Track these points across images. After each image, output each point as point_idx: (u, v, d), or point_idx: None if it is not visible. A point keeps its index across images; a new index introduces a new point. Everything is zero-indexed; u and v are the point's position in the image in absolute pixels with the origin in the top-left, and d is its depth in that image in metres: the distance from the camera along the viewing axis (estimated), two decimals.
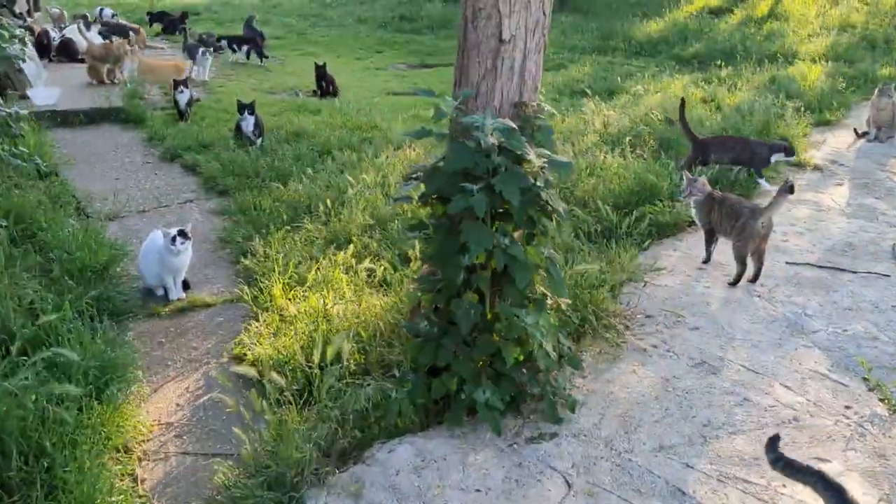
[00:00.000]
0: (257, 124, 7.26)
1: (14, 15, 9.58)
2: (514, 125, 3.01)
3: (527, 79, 3.29)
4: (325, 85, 10.30)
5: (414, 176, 3.24)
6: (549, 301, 3.28)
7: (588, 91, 10.09)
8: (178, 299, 4.44)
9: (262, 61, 12.86)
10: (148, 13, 17.41)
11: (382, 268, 4.48)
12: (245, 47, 12.89)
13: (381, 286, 4.43)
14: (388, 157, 6.83)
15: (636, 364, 3.67)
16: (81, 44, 11.97)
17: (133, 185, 6.35)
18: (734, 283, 4.50)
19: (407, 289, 4.04)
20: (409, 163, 6.62)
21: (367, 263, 4.37)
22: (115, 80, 9.88)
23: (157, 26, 16.35)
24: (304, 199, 5.62)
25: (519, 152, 2.94)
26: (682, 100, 6.64)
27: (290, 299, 4.20)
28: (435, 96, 3.29)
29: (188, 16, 16.43)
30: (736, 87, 9.75)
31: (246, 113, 7.14)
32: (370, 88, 11.15)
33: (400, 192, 3.21)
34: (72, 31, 12.22)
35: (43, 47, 11.20)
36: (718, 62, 11.37)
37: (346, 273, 4.51)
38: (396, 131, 7.96)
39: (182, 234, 4.29)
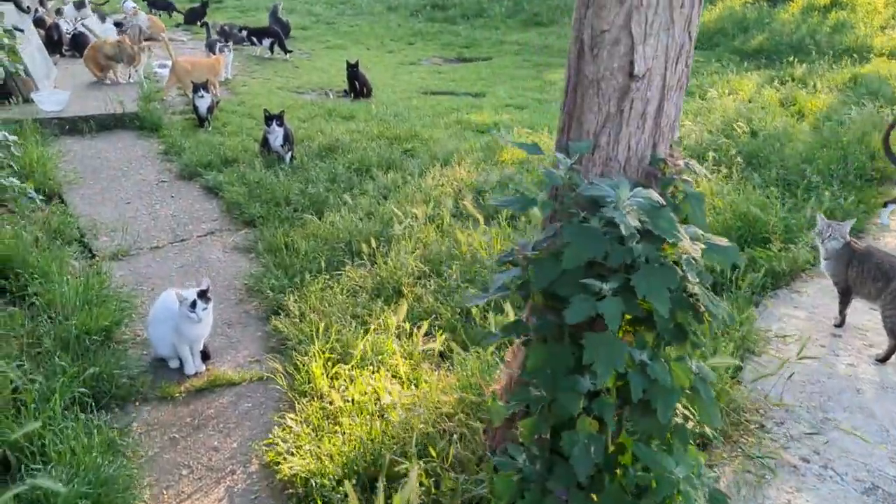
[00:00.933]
0: (287, 137, 6.46)
1: (21, 9, 8.83)
2: (659, 198, 2.17)
3: (663, 126, 2.44)
4: (357, 86, 9.46)
5: (510, 259, 2.40)
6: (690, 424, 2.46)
7: None
8: (197, 373, 3.66)
9: (286, 55, 12.05)
10: None
11: (442, 334, 3.68)
12: (268, 40, 12.08)
13: (444, 357, 3.66)
14: (435, 177, 6.00)
15: (790, 490, 2.83)
16: (97, 37, 11.23)
17: (145, 211, 5.58)
18: (884, 360, 3.64)
19: (476, 371, 3.24)
20: (460, 185, 5.80)
21: (423, 328, 3.57)
22: (130, 80, 9.11)
23: (173, 16, 15.58)
24: (342, 235, 4.82)
25: (671, 240, 2.10)
26: (894, 121, 5.66)
27: (332, 379, 3.41)
28: (541, 153, 2.44)
29: (209, 4, 15.64)
30: (815, 88, 8.79)
31: (274, 125, 6.34)
32: (405, 87, 10.31)
33: (493, 285, 2.36)
34: (89, 24, 11.48)
35: (53, 42, 10.45)
36: (790, 58, 10.37)
37: (399, 338, 3.72)
38: (442, 143, 7.14)
39: (203, 296, 3.50)
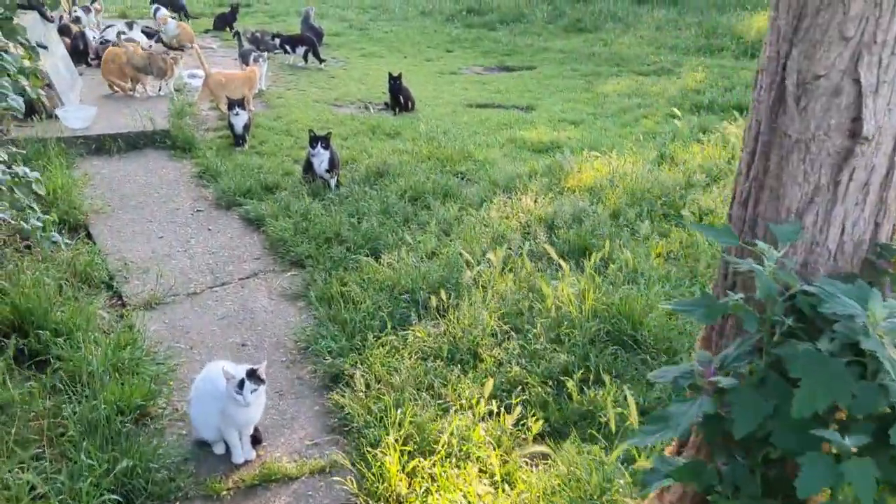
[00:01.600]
0: (332, 161, 5.91)
1: (46, 18, 8.36)
2: None
3: (889, 202, 1.84)
4: (402, 100, 8.91)
5: (689, 382, 1.80)
6: None
7: (714, 106, 8.59)
8: (246, 462, 3.10)
9: (321, 64, 11.52)
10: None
11: (536, 418, 3.12)
12: (302, 48, 11.55)
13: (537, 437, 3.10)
14: (499, 208, 5.43)
15: None
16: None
17: (180, 247, 5.04)
18: None
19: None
20: (528, 217, 5.22)
21: (515, 412, 3.00)
22: (160, 93, 8.61)
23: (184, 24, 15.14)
24: (404, 282, 4.25)
25: None
26: None
27: (410, 476, 2.85)
28: (736, 242, 1.86)
29: (238, 9, 15.17)
30: None
31: (319, 147, 5.80)
32: (448, 99, 9.74)
33: (671, 421, 1.76)
34: (114, 31, 11.02)
35: (79, 52, 9.99)
36: None
37: (484, 419, 3.16)
38: (499, 165, 6.57)
39: (252, 376, 2.94)
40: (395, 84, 8.80)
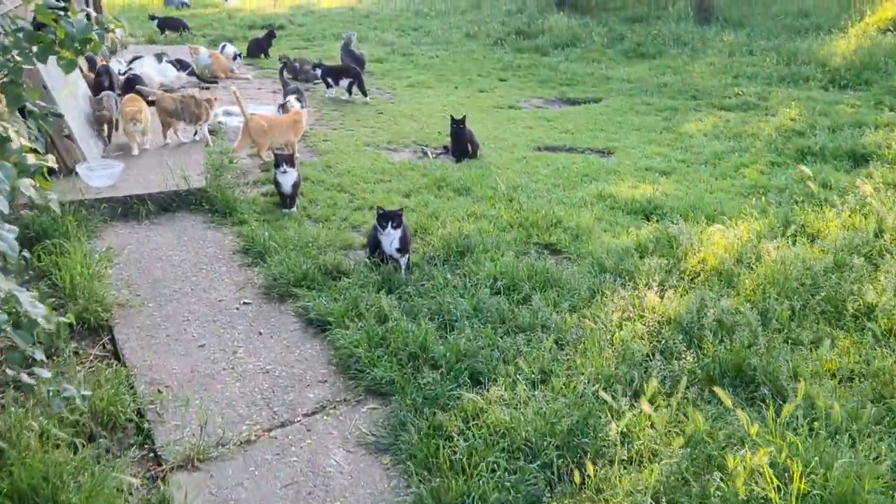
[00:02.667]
0: (404, 239, 4.93)
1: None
2: None
3: None
4: (470, 148, 7.94)
5: None
6: None
7: (825, 152, 7.54)
8: None
9: (366, 98, 10.57)
10: (151, 16, 15.39)
11: None
12: (346, 81, 10.61)
13: None
14: (617, 305, 4.40)
15: None
16: (153, 81, 9.90)
17: (225, 362, 4.06)
18: None
19: None
20: (657, 318, 4.18)
21: None
22: (195, 137, 7.69)
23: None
24: (525, 433, 3.22)
25: None
26: None
27: None
28: None
29: (275, 34, 14.32)
30: None
31: (389, 227, 4.80)
32: (513, 141, 8.75)
33: None
34: (142, 64, 10.16)
35: (103, 88, 9.11)
36: None
37: None
38: (595, 235, 5.56)
39: None
40: (459, 129, 7.82)
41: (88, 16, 3.85)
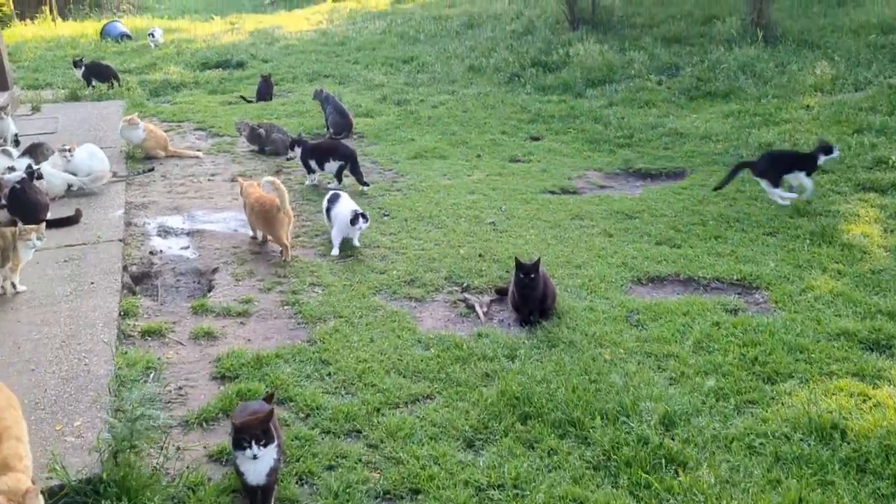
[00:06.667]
0: None
1: None
2: None
3: None
4: (545, 301, 5.10)
5: None
6: None
7: None
8: None
9: (363, 187, 7.69)
10: (75, 62, 12.50)
11: None
12: (334, 163, 7.72)
13: None
14: None
15: None
16: (53, 185, 6.99)
17: None
18: None
19: None
20: None
21: None
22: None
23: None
24: None
25: None
26: None
27: None
28: None
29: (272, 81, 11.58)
30: None
31: None
32: (594, 265, 5.94)
33: None
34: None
35: None
36: None
37: None
38: None
39: None
40: (530, 281, 4.94)
41: None
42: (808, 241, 6.19)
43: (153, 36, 16.26)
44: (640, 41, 13.45)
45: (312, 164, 7.80)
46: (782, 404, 4.06)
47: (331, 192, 6.60)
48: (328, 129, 9.82)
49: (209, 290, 5.63)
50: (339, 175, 7.75)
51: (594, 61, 12.24)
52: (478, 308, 5.33)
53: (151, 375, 4.42)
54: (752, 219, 6.73)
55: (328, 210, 6.35)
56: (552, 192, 7.72)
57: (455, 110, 10.90)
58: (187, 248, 6.34)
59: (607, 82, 11.64)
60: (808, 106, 9.63)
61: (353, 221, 6.08)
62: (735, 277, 5.68)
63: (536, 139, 9.67)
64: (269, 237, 6.26)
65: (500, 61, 13.24)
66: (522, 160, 8.82)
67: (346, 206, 6.24)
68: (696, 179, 7.85)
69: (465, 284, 5.68)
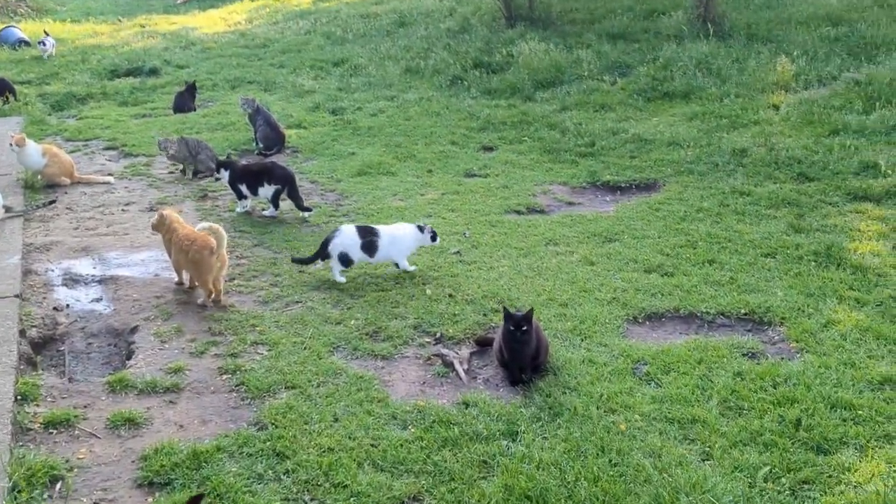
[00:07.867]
0: None
1: None
2: None
3: None
4: (538, 357, 4.34)
5: None
6: None
7: None
8: None
9: (305, 213, 6.81)
10: None
11: None
12: (270, 187, 6.80)
13: None
14: None
15: None
16: None
17: None
18: None
19: None
20: None
21: None
22: None
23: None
24: None
25: None
26: None
27: None
28: None
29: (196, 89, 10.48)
30: None
31: None
32: (581, 302, 5.20)
33: None
34: None
35: None
36: None
37: None
38: None
39: None
40: (522, 335, 4.17)
41: None
42: (812, 263, 5.59)
43: (44, 45, 14.56)
44: (584, 38, 12.80)
45: (243, 188, 6.86)
46: (845, 484, 3.39)
47: (347, 227, 5.67)
48: (257, 143, 8.89)
49: (128, 357, 4.67)
50: (275, 201, 6.84)
51: (540, 61, 11.53)
52: (457, 365, 4.53)
53: (58, 487, 3.48)
54: (745, 237, 6.10)
55: (369, 245, 5.56)
56: (518, 212, 6.97)
57: (397, 118, 10.05)
58: (99, 300, 5.36)
59: (557, 84, 10.95)
60: (775, 105, 9.12)
61: (433, 237, 5.72)
62: (742, 311, 5.02)
63: (490, 149, 8.91)
64: (196, 282, 5.33)
65: (439, 62, 12.43)
66: (479, 175, 8.05)
67: (397, 228, 5.74)
68: (672, 192, 7.20)
69: (437, 334, 4.87)
